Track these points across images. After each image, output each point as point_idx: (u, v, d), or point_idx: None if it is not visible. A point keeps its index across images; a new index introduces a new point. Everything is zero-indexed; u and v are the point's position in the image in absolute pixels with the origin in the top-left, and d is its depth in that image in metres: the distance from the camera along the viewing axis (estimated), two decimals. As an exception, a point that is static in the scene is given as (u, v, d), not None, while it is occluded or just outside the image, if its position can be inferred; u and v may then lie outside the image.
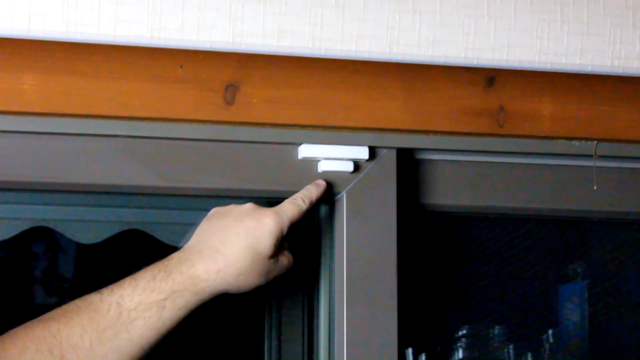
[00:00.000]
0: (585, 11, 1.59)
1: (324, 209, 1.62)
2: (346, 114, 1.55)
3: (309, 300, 2.34)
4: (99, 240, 2.73)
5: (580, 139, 1.65)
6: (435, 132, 1.59)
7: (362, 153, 1.57)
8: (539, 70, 1.59)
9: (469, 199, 1.68)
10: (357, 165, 1.58)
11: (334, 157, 1.57)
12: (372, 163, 1.59)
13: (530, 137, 1.62)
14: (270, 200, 1.55)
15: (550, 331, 2.18)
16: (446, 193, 1.67)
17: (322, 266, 1.65)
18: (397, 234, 1.58)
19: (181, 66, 1.50)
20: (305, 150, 1.56)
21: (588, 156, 1.66)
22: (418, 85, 1.57)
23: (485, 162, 1.68)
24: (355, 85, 1.55)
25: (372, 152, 1.59)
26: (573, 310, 2.19)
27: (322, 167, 1.57)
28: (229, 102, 1.52)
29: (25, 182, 1.50)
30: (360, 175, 1.59)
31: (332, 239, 1.60)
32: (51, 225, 2.70)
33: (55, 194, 2.50)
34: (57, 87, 1.46)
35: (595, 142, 1.65)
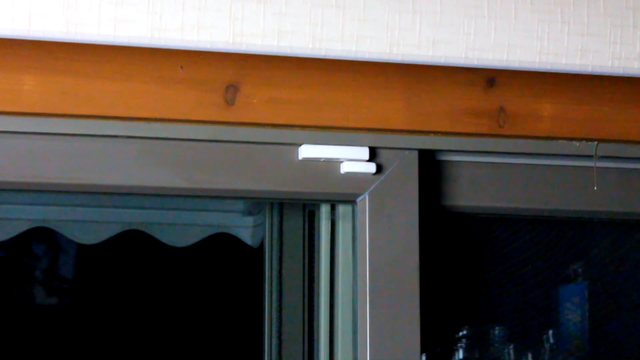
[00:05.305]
0: (586, 12, 1.59)
1: (345, 210, 1.62)
2: (346, 115, 1.55)
3: (309, 300, 2.34)
4: (99, 240, 2.74)
5: (580, 139, 1.65)
6: (436, 133, 1.59)
7: (362, 153, 1.57)
8: (539, 70, 1.59)
9: (473, 199, 1.68)
10: (380, 166, 1.58)
11: (333, 158, 1.57)
12: (395, 164, 1.59)
13: (530, 138, 1.62)
14: (270, 201, 1.55)
15: (550, 331, 2.18)
16: (459, 194, 1.67)
17: (344, 267, 1.65)
18: (419, 235, 1.59)
19: (181, 67, 1.50)
20: (306, 151, 1.56)
21: (588, 157, 1.66)
22: (418, 86, 1.57)
23: (485, 162, 1.68)
24: (356, 85, 1.55)
25: (373, 152, 1.59)
26: (573, 311, 2.19)
27: (345, 168, 1.57)
28: (230, 103, 1.52)
29: (25, 182, 1.50)
30: (383, 176, 1.59)
31: (354, 240, 1.60)
32: (51, 225, 2.71)
33: (56, 195, 2.50)
34: (57, 88, 1.46)
35: (596, 142, 1.65)
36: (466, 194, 1.68)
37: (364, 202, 1.58)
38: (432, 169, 1.65)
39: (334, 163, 1.58)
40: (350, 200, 1.60)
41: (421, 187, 1.60)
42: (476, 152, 1.64)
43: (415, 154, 1.60)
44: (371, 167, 1.57)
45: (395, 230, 1.58)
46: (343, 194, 1.59)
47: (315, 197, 1.63)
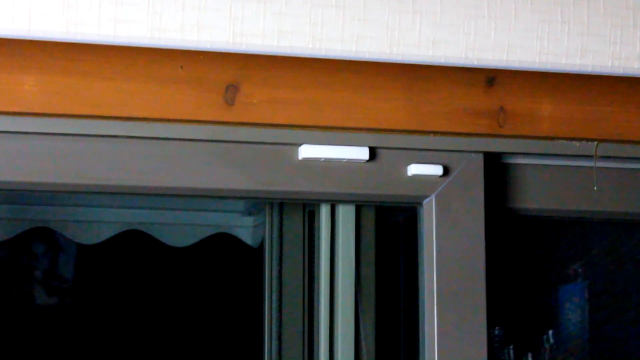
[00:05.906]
0: (586, 12, 1.59)
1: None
2: (346, 115, 1.55)
3: (309, 300, 2.35)
4: (99, 240, 2.74)
5: (580, 139, 1.65)
6: (436, 133, 1.59)
7: (362, 153, 1.57)
8: (539, 70, 1.59)
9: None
10: (446, 168, 1.59)
11: (333, 157, 1.57)
12: (461, 166, 1.59)
13: (530, 138, 1.62)
14: (270, 201, 1.55)
15: (550, 331, 2.18)
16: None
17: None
18: (485, 237, 1.59)
19: (181, 67, 1.50)
20: (305, 151, 1.56)
21: (588, 156, 1.66)
22: (418, 86, 1.57)
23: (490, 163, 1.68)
24: (356, 85, 1.55)
25: (373, 152, 1.59)
26: (573, 311, 2.19)
27: (412, 170, 1.58)
28: (230, 103, 1.52)
29: (25, 182, 1.50)
30: (449, 178, 1.59)
31: (421, 242, 1.60)
32: (52, 225, 2.71)
33: (56, 195, 2.50)
34: (57, 87, 1.46)
35: (596, 142, 1.65)
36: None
37: (431, 204, 1.59)
38: (497, 171, 1.66)
39: (401, 165, 1.58)
40: (417, 203, 1.60)
41: (486, 189, 1.61)
42: (477, 151, 1.64)
43: (481, 156, 1.61)
44: (438, 170, 1.58)
45: (461, 232, 1.59)
46: (410, 195, 1.60)
47: (382, 200, 1.63)
